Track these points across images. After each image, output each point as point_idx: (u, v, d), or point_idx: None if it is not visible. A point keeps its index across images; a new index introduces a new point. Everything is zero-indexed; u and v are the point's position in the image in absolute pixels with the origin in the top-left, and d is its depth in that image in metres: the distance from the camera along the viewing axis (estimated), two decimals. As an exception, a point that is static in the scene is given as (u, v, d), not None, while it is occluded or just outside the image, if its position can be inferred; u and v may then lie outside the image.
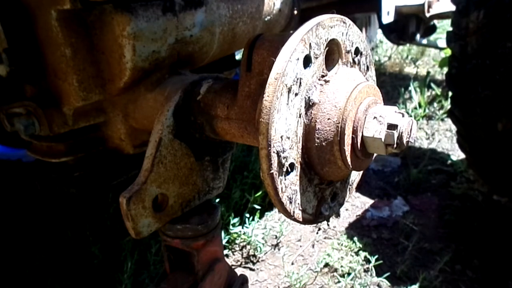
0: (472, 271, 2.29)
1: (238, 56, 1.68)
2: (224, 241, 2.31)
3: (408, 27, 3.23)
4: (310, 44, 0.74)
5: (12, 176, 2.08)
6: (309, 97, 0.77)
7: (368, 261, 2.32)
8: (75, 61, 0.97)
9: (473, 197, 2.79)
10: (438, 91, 4.22)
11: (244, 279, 1.15)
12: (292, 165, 0.76)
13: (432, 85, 4.26)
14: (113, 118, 1.11)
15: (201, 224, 1.00)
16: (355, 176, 0.97)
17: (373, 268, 2.28)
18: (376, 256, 2.29)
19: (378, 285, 2.23)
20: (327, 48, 0.79)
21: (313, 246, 2.51)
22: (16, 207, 2.24)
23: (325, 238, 2.57)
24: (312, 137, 0.77)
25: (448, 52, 2.94)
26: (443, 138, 3.68)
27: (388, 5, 2.50)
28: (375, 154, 0.85)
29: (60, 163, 1.16)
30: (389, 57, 5.41)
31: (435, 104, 4.12)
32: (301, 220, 0.81)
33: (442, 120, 3.92)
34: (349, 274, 2.24)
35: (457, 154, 3.32)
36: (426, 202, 2.86)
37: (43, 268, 2.15)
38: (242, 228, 2.45)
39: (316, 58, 0.77)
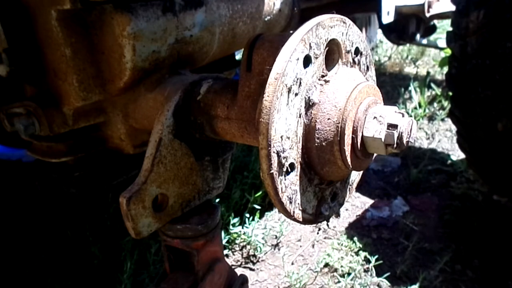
0: (472, 271, 2.29)
1: (238, 56, 1.67)
2: (224, 241, 2.31)
3: (408, 27, 3.23)
4: (310, 44, 0.74)
5: (12, 176, 2.08)
6: (309, 97, 0.77)
7: (368, 261, 2.32)
8: (75, 61, 0.97)
9: (473, 197, 2.79)
10: (438, 91, 4.22)
11: (244, 279, 1.15)
12: (292, 165, 0.76)
13: (432, 85, 4.26)
14: (113, 118, 1.11)
15: (201, 224, 1.00)
16: (355, 176, 0.97)
17: (373, 268, 2.28)
18: (376, 256, 2.29)
19: (378, 285, 2.23)
20: (327, 48, 0.79)
21: (313, 246, 2.51)
22: (16, 207, 2.24)
23: (325, 238, 2.57)
24: (312, 137, 0.77)
25: (448, 52, 2.93)
26: (443, 138, 3.68)
27: (388, 5, 2.50)
28: (375, 154, 0.85)
29: (60, 163, 1.16)
30: (389, 57, 5.41)
31: (435, 104, 4.12)
32: (301, 220, 0.81)
33: (442, 120, 3.92)
34: (349, 274, 2.24)
35: (457, 154, 3.32)
36: (426, 202, 2.86)
37: (43, 268, 2.15)
38: (242, 228, 2.45)
39: (316, 58, 0.77)
